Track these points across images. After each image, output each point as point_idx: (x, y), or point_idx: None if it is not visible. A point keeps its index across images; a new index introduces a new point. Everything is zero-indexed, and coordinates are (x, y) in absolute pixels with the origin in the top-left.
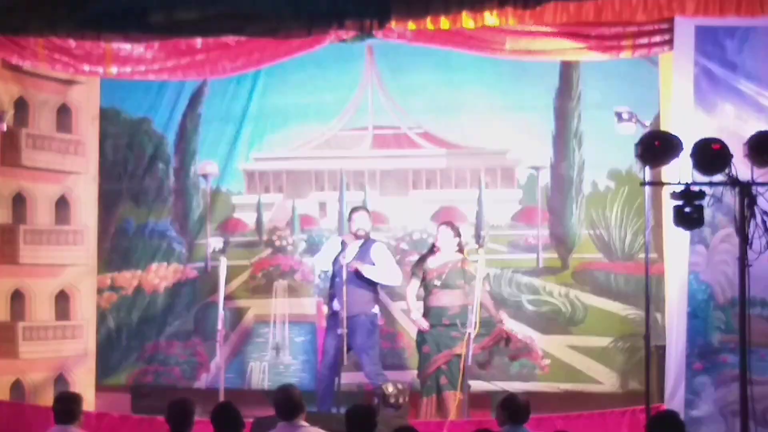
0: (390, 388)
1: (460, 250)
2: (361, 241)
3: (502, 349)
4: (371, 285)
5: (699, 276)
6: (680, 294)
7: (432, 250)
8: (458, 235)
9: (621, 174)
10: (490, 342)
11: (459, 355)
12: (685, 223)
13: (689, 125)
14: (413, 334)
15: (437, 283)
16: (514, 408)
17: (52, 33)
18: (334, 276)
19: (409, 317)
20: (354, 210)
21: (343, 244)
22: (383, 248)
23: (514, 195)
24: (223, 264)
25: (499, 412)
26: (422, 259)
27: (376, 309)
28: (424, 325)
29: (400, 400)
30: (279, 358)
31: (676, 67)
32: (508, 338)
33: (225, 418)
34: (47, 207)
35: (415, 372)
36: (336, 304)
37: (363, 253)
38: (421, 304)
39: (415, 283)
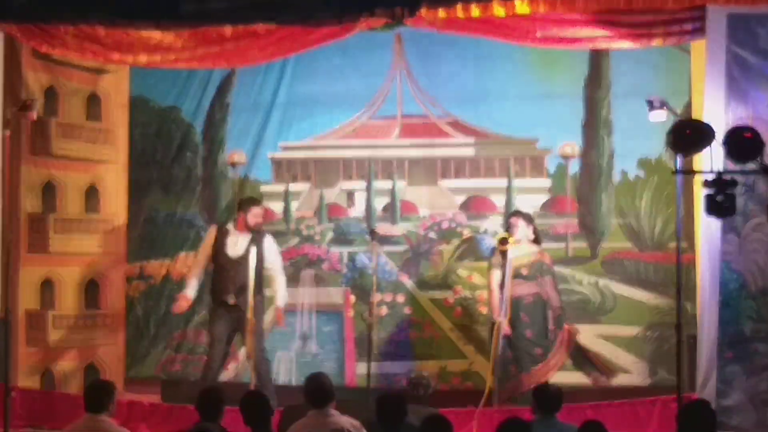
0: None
1: (536, 240)
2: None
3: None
4: None
5: (730, 265)
6: (712, 283)
7: (505, 241)
8: (530, 222)
9: (651, 163)
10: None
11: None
12: (716, 211)
13: (721, 113)
14: (442, 325)
15: (525, 273)
16: (546, 397)
17: (82, 22)
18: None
19: (495, 318)
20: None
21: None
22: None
23: (543, 184)
24: (253, 253)
25: (532, 401)
26: (502, 251)
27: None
28: (508, 330)
29: (421, 392)
30: (306, 348)
31: (708, 56)
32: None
33: (254, 406)
34: (77, 196)
35: (444, 363)
36: (231, 298)
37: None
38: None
39: (499, 275)
